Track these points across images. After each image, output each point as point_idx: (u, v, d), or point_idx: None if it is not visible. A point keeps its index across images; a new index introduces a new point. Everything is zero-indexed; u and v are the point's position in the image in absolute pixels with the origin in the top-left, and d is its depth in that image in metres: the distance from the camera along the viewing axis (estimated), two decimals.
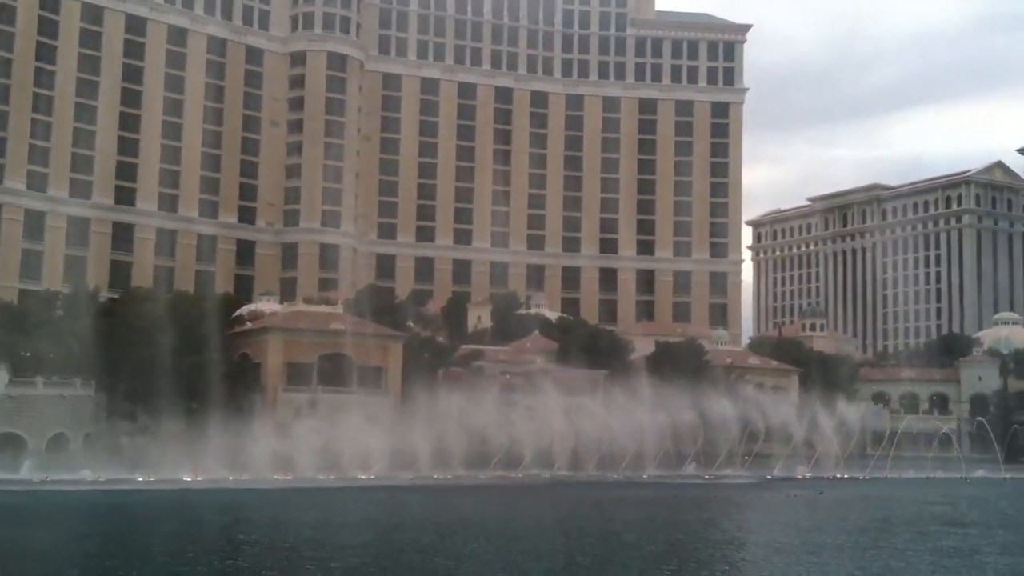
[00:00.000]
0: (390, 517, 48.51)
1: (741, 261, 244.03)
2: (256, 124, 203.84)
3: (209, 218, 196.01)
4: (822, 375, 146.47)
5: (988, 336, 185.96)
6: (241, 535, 38.55)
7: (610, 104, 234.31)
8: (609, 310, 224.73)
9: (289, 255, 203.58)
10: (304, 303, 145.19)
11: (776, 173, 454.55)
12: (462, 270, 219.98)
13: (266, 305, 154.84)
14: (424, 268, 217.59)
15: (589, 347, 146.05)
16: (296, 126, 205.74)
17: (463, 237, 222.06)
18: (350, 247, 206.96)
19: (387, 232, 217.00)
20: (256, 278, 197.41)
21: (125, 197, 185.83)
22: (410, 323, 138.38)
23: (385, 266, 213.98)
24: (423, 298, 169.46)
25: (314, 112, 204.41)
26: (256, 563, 32.48)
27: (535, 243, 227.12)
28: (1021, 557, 37.01)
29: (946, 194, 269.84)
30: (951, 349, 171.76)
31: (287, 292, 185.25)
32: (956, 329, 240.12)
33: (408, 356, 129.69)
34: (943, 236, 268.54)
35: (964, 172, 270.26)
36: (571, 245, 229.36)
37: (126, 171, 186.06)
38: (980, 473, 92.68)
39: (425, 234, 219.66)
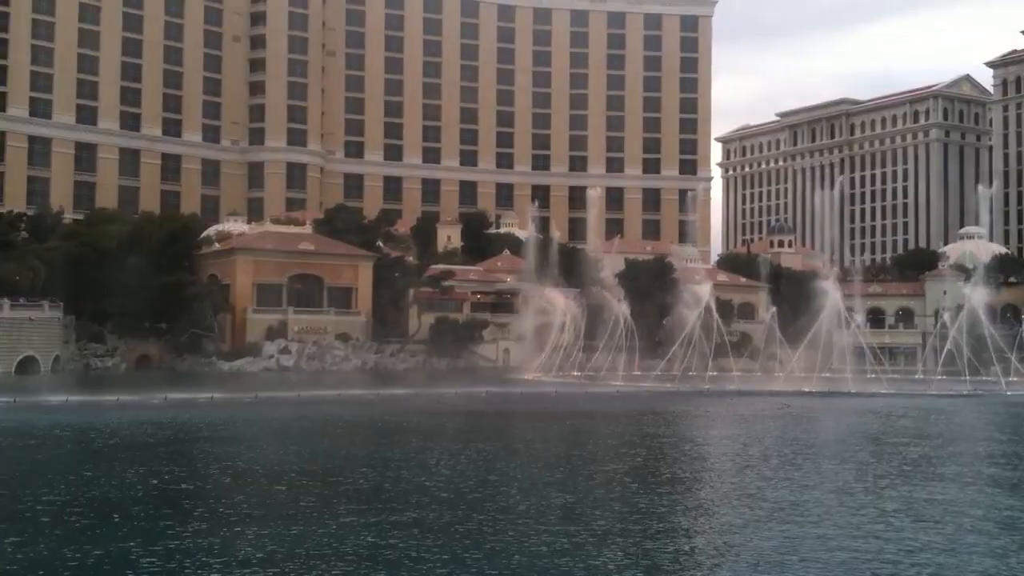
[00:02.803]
0: (319, 424, 49.20)
1: (710, 178, 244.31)
2: (217, 40, 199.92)
3: (173, 137, 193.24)
4: (790, 291, 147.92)
5: (953, 250, 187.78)
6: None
7: (578, 18, 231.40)
8: (579, 228, 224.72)
9: (255, 174, 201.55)
10: (272, 223, 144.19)
11: (747, 87, 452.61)
12: (431, 189, 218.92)
13: (233, 225, 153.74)
14: (393, 187, 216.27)
15: (560, 266, 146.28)
16: (259, 42, 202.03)
17: (431, 156, 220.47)
18: (317, 166, 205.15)
19: (354, 151, 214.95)
20: (222, 198, 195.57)
21: (86, 116, 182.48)
22: (379, 243, 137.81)
23: (353, 185, 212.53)
24: (392, 218, 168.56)
25: (277, 27, 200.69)
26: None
27: (504, 162, 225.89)
28: (969, 466, 37.83)
29: (914, 108, 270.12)
30: (917, 264, 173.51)
31: (254, 212, 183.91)
32: (922, 244, 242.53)
33: (378, 276, 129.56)
34: (910, 151, 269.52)
35: (932, 86, 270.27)
36: (540, 163, 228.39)
37: (86, 89, 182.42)
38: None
39: (393, 153, 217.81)
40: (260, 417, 56.70)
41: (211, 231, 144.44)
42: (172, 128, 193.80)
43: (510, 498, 28.92)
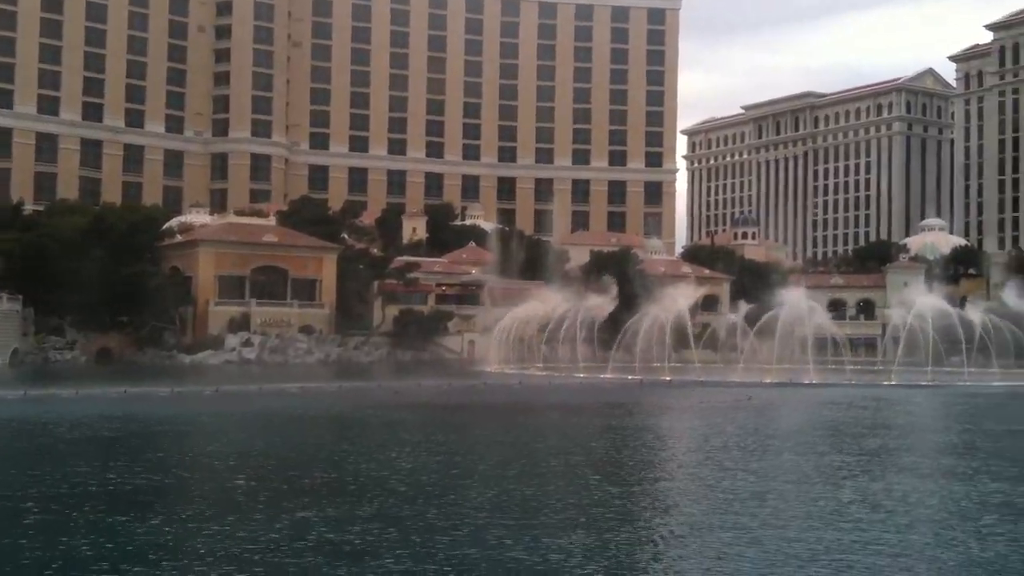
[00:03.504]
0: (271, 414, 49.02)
1: (676, 171, 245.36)
2: (182, 29, 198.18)
3: (136, 128, 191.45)
4: (754, 282, 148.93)
5: (914, 242, 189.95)
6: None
7: (546, 10, 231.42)
8: (545, 220, 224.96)
9: (219, 166, 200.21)
10: (235, 215, 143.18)
11: (714, 80, 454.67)
12: (396, 181, 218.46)
13: (196, 217, 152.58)
14: (358, 179, 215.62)
15: (525, 258, 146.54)
16: (224, 31, 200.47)
17: (397, 147, 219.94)
18: (282, 157, 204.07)
19: (319, 142, 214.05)
20: (185, 189, 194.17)
21: (48, 106, 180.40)
22: (344, 235, 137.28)
23: (318, 177, 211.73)
24: (357, 209, 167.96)
25: (242, 17, 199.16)
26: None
27: (470, 153, 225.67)
28: (926, 457, 38.28)
29: (877, 102, 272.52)
30: (878, 255, 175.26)
31: (217, 204, 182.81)
32: (884, 236, 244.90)
33: (342, 268, 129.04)
34: (873, 143, 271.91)
35: (895, 80, 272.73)
36: (506, 155, 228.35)
37: (48, 79, 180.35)
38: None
39: (359, 144, 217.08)
40: (221, 410, 56.31)
41: (173, 223, 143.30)
42: (135, 119, 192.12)
43: (470, 490, 28.88)
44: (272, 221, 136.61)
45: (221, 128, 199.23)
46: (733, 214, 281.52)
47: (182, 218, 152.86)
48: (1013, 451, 40.55)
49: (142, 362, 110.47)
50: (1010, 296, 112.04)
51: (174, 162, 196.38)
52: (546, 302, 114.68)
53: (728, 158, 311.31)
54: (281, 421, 50.34)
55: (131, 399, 60.80)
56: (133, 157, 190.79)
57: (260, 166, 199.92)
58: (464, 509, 25.85)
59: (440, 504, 26.52)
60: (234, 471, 32.72)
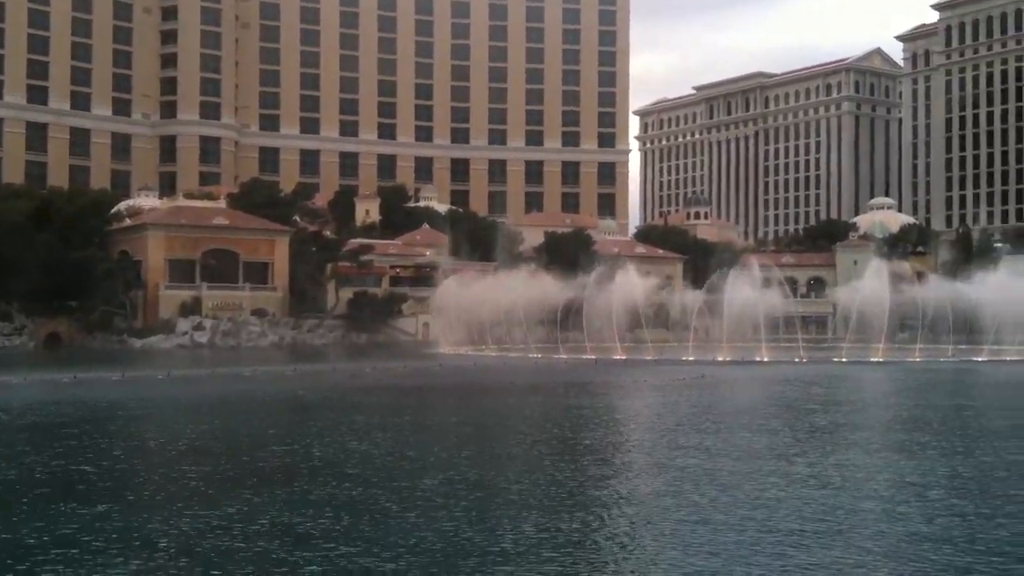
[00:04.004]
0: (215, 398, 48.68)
1: (628, 151, 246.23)
2: (128, 11, 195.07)
3: (82, 111, 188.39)
4: (706, 262, 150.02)
5: (864, 221, 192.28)
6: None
7: None
8: (498, 201, 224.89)
9: (167, 148, 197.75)
10: (185, 198, 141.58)
11: (666, 61, 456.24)
12: (349, 163, 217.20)
13: (145, 200, 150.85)
14: (309, 161, 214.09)
15: (479, 239, 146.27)
16: (170, 13, 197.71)
17: (349, 129, 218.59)
18: (231, 139, 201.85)
19: (270, 124, 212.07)
20: (133, 173, 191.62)
21: None
22: (296, 217, 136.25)
23: (268, 159, 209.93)
24: (309, 192, 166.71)
25: None
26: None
27: (423, 135, 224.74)
28: (876, 432, 38.79)
29: (827, 81, 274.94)
30: (829, 234, 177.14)
31: (166, 187, 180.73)
32: (834, 215, 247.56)
33: (295, 251, 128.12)
34: (822, 123, 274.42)
35: (844, 60, 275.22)
36: (460, 136, 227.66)
37: None
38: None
39: (310, 126, 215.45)
40: (173, 395, 55.70)
41: (122, 206, 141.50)
42: (81, 102, 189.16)
43: (424, 473, 28.78)
44: (222, 204, 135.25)
45: (169, 110, 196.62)
46: (686, 194, 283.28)
47: (130, 202, 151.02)
48: (960, 426, 41.17)
49: (92, 347, 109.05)
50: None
51: (121, 145, 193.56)
52: (500, 283, 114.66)
53: (680, 138, 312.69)
54: (234, 405, 49.88)
55: (81, 384, 59.96)
56: (80, 140, 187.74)
57: (209, 148, 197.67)
58: (417, 492, 25.74)
59: (393, 487, 26.40)
60: (185, 456, 32.34)
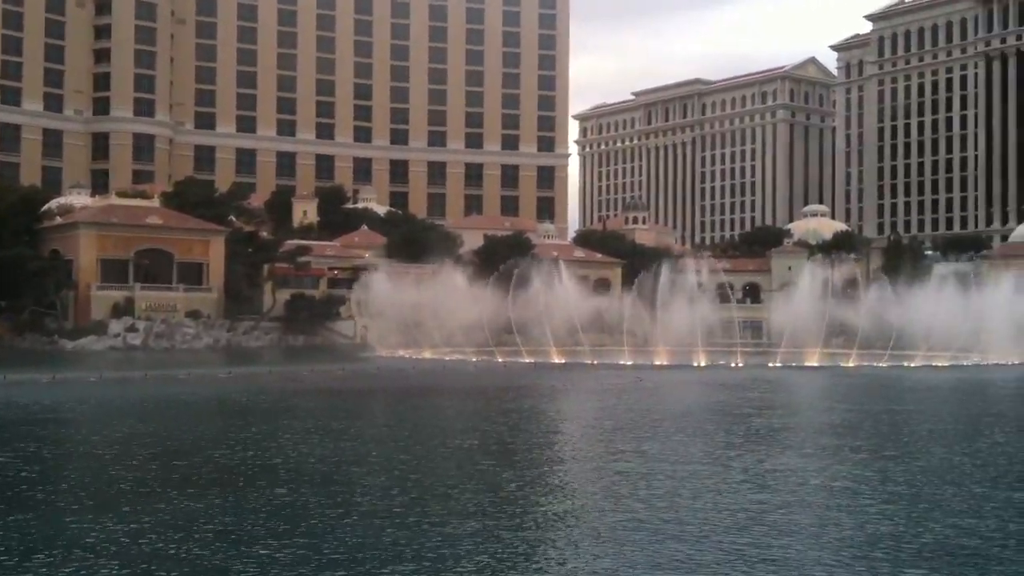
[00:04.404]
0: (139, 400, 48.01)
1: (568, 155, 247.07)
2: (60, 4, 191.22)
3: (12, 106, 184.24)
4: (644, 267, 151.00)
5: (798, 227, 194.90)
6: None
7: None
8: (438, 204, 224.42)
9: (100, 145, 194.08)
10: (118, 196, 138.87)
11: (606, 66, 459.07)
12: (286, 162, 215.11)
13: (77, 198, 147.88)
14: (246, 160, 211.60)
15: (418, 241, 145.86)
16: (104, 8, 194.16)
17: (286, 128, 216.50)
18: (166, 137, 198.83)
19: (205, 122, 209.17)
20: (65, 170, 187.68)
21: None
22: (232, 217, 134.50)
23: (204, 158, 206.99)
24: (245, 191, 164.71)
25: None
26: None
27: (362, 135, 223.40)
28: (810, 436, 39.38)
29: (762, 89, 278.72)
30: (764, 240, 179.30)
31: (99, 185, 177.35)
32: (769, 221, 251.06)
33: (230, 251, 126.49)
34: (758, 131, 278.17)
35: (779, 68, 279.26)
36: (399, 138, 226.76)
37: None
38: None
39: (246, 124, 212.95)
40: (105, 397, 54.66)
41: (53, 204, 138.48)
42: (11, 96, 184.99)
43: (361, 477, 28.58)
44: (156, 203, 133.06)
45: (102, 107, 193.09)
46: (624, 199, 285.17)
47: (62, 199, 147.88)
48: (891, 430, 41.93)
49: (21, 348, 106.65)
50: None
51: (53, 141, 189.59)
52: (440, 286, 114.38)
53: (619, 143, 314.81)
54: (168, 409, 49.10)
55: (10, 386, 58.62)
56: (9, 136, 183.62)
57: (143, 146, 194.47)
58: (354, 497, 25.55)
59: (329, 492, 26.17)
60: (117, 460, 31.74)
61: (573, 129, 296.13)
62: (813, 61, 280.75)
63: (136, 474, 28.97)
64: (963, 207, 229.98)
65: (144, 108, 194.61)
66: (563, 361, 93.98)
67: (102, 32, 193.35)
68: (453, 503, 24.85)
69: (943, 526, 22.53)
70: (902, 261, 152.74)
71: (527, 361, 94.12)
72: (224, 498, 25.11)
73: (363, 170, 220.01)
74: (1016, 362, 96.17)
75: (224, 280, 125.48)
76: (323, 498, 25.26)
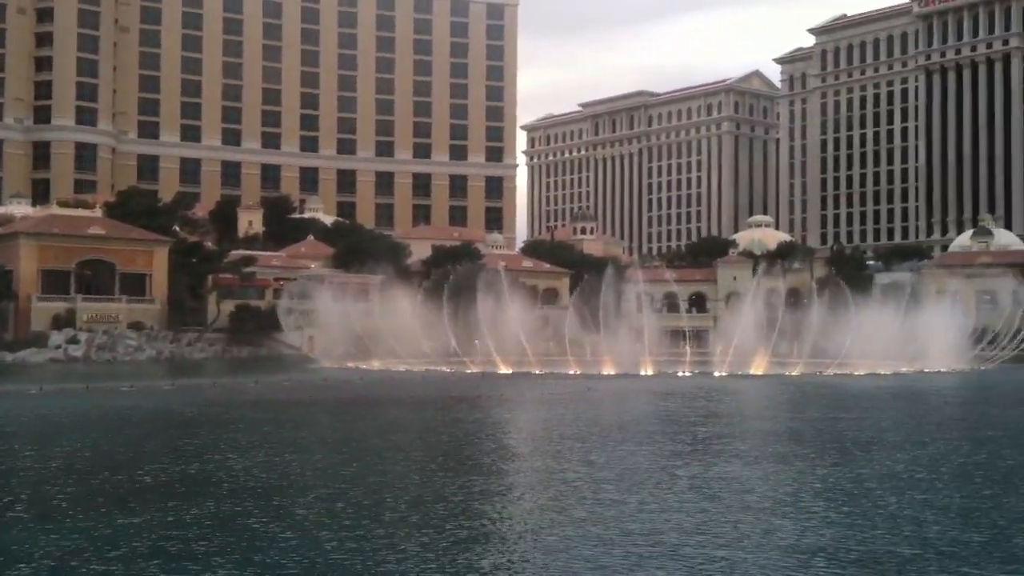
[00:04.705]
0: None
1: (516, 166, 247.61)
2: (1, 12, 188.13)
3: None
4: (591, 277, 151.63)
5: (743, 238, 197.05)
6: None
7: (384, 1, 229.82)
8: (386, 214, 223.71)
9: (41, 154, 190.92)
10: (59, 206, 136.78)
11: (554, 77, 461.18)
12: (231, 172, 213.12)
13: (16, 208, 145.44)
14: (190, 169, 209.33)
15: (366, 252, 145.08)
16: (46, 15, 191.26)
17: (231, 137, 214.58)
18: (108, 146, 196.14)
19: (149, 131, 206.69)
20: (5, 179, 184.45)
21: None
22: (176, 227, 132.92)
23: (147, 167, 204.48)
24: (189, 201, 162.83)
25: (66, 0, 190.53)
26: None
27: (308, 145, 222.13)
28: (755, 444, 39.69)
29: (708, 102, 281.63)
30: (709, 250, 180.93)
31: (40, 194, 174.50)
32: (715, 231, 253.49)
33: (174, 262, 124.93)
34: (704, 142, 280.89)
35: (724, 80, 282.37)
36: (346, 147, 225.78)
37: None
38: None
39: (191, 134, 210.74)
40: (45, 411, 53.57)
41: None
42: None
43: (306, 490, 28.25)
44: (98, 213, 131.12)
45: (43, 115, 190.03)
46: (572, 209, 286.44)
47: (1, 209, 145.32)
48: (834, 437, 42.37)
49: None
50: None
51: None
52: (386, 297, 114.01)
53: (566, 154, 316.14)
54: (110, 421, 48.26)
55: None
56: None
57: (85, 155, 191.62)
58: (297, 510, 25.25)
59: (272, 505, 25.83)
60: (55, 475, 31.09)
61: (521, 140, 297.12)
62: (757, 74, 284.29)
63: (74, 489, 28.39)
64: (904, 218, 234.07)
65: (86, 117, 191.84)
66: (511, 371, 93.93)
67: (44, 40, 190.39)
68: (398, 515, 24.64)
69: (884, 533, 22.76)
70: (845, 271, 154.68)
71: (474, 371, 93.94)
72: (165, 512, 24.68)
73: (310, 180, 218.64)
74: (955, 369, 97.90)
75: (168, 291, 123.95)
76: (265, 511, 24.92)
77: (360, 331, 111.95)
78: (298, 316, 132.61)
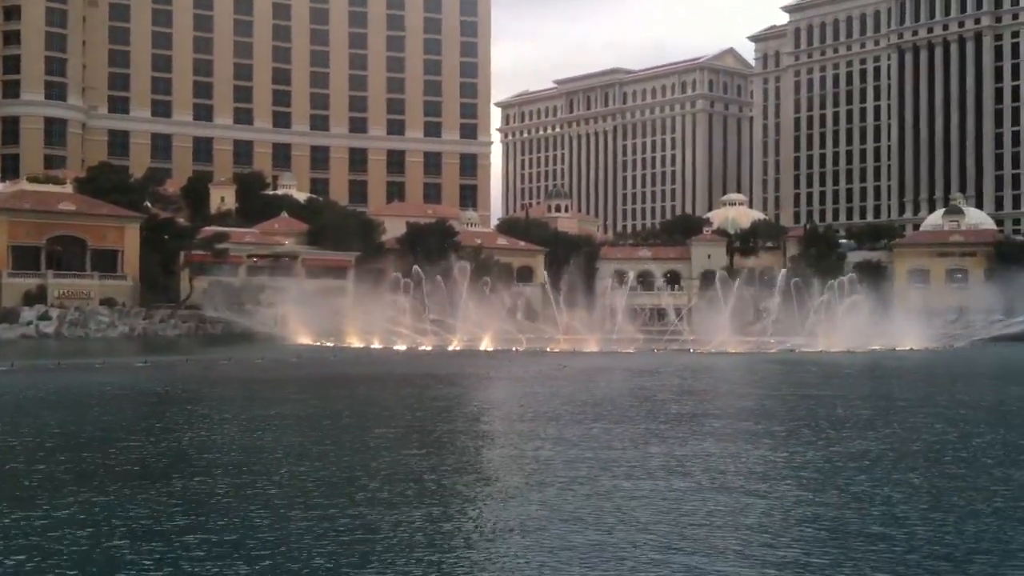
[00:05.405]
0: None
1: (490, 143, 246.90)
2: None
3: None
4: (566, 255, 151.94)
5: (717, 216, 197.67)
6: None
7: None
8: (359, 191, 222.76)
9: (10, 130, 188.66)
10: (29, 182, 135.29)
11: (529, 54, 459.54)
12: (203, 148, 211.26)
13: None
14: (161, 145, 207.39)
15: (339, 229, 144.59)
16: None
17: (203, 113, 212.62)
18: (78, 121, 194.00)
19: (119, 106, 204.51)
20: None
21: None
22: (147, 204, 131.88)
23: (118, 143, 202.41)
24: (161, 177, 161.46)
25: None
26: None
27: (281, 121, 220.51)
28: (727, 421, 39.86)
29: (682, 79, 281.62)
30: (684, 228, 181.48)
31: (9, 170, 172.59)
32: (689, 209, 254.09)
33: (146, 238, 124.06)
34: (678, 120, 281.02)
35: (698, 58, 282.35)
36: (319, 123, 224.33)
37: None
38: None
39: (161, 109, 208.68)
40: (16, 387, 53.11)
41: None
42: None
43: (278, 467, 28.13)
44: (69, 188, 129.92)
45: (12, 90, 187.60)
46: (547, 187, 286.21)
47: None
48: (805, 414, 42.63)
49: None
50: None
51: None
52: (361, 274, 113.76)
53: (541, 131, 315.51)
54: (82, 398, 47.89)
55: None
56: None
57: (55, 131, 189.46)
58: (269, 488, 25.13)
59: (243, 482, 25.70)
60: (26, 452, 30.80)
61: (495, 117, 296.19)
62: (731, 52, 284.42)
63: (45, 466, 28.14)
64: (877, 197, 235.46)
65: (56, 92, 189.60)
66: (489, 348, 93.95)
67: (11, 14, 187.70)
68: (371, 494, 24.57)
69: (853, 511, 22.91)
70: (817, 249, 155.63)
71: (452, 349, 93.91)
72: (134, 491, 24.50)
73: (282, 156, 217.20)
74: (923, 347, 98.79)
75: (140, 268, 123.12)
76: (237, 489, 24.79)
77: (335, 309, 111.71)
78: (271, 293, 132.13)
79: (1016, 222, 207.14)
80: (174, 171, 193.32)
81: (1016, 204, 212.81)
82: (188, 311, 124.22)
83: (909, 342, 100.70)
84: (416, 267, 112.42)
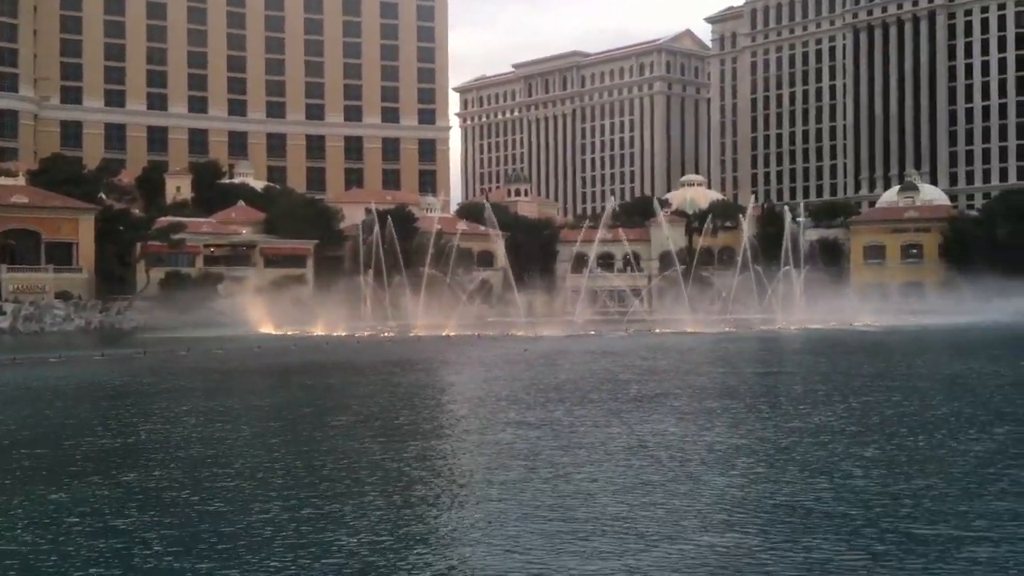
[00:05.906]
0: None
1: (449, 128, 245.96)
2: None
3: None
4: (526, 238, 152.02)
5: (675, 197, 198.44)
6: None
7: None
8: (317, 178, 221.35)
9: None
10: None
11: (487, 38, 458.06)
12: (157, 137, 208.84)
13: None
14: (115, 135, 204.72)
15: (298, 217, 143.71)
16: None
17: (157, 102, 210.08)
18: (30, 112, 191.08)
19: (72, 96, 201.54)
20: None
21: None
22: (102, 195, 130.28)
23: (71, 133, 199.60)
24: (115, 168, 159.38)
25: None
26: None
27: (237, 108, 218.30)
28: (689, 401, 40.06)
29: (640, 62, 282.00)
30: (643, 210, 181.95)
31: None
32: (648, 191, 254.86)
33: (101, 230, 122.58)
34: (636, 102, 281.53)
35: (656, 40, 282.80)
36: (275, 111, 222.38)
37: None
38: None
39: (115, 98, 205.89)
40: None
41: None
42: None
43: (236, 459, 27.89)
44: (22, 181, 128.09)
45: None
46: (506, 171, 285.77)
47: None
48: (765, 393, 42.96)
49: None
50: None
51: None
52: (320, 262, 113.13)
53: (500, 116, 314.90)
54: (37, 393, 47.25)
55: None
56: None
57: (6, 122, 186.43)
58: (227, 480, 24.91)
59: (203, 476, 25.45)
60: None
61: (454, 101, 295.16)
62: (688, 33, 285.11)
63: None
64: (833, 175, 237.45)
65: (7, 82, 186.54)
66: (450, 334, 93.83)
67: None
68: (334, 483, 24.43)
69: (813, 487, 23.10)
70: (775, 228, 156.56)
71: (413, 335, 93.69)
72: (92, 486, 24.19)
73: (239, 144, 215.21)
74: (878, 325, 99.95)
75: (95, 260, 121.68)
76: (196, 482, 24.55)
77: (295, 297, 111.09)
78: (229, 283, 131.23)
79: (970, 197, 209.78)
80: (128, 161, 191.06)
81: (970, 180, 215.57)
82: (144, 302, 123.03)
83: (866, 319, 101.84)
84: (376, 254, 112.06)
